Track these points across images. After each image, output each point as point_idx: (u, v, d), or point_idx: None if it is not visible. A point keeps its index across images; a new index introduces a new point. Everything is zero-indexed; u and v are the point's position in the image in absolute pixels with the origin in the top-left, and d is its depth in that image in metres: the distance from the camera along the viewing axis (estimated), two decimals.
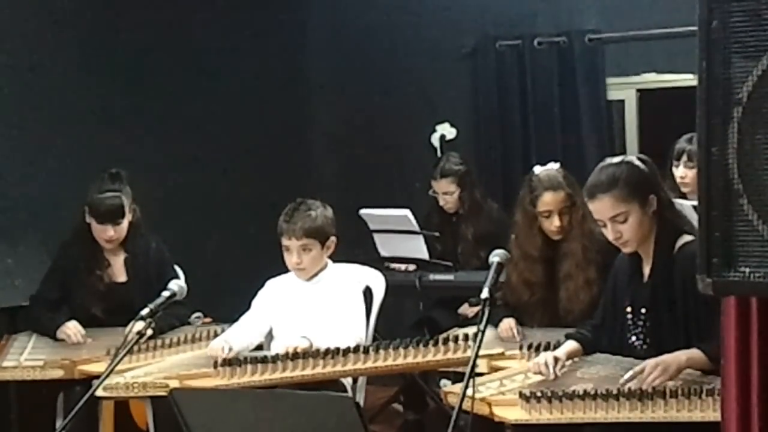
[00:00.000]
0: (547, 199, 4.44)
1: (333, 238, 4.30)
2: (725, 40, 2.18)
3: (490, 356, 3.96)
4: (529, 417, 3.35)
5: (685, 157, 4.89)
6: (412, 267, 5.66)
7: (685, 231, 3.58)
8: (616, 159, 3.70)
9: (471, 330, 4.06)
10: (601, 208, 3.56)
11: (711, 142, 2.19)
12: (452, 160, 5.91)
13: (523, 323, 4.48)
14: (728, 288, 2.23)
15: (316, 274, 4.31)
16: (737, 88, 2.16)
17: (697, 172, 2.25)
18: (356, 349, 3.90)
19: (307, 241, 4.22)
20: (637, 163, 3.63)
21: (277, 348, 4.15)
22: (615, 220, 3.54)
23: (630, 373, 3.42)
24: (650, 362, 3.41)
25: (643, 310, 3.61)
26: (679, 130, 5.08)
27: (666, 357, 3.42)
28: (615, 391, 3.30)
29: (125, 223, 4.71)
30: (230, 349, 4.02)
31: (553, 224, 4.42)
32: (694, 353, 3.43)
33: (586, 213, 4.30)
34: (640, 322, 3.62)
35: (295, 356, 3.85)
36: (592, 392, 3.32)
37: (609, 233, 3.58)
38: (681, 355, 3.42)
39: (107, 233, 4.67)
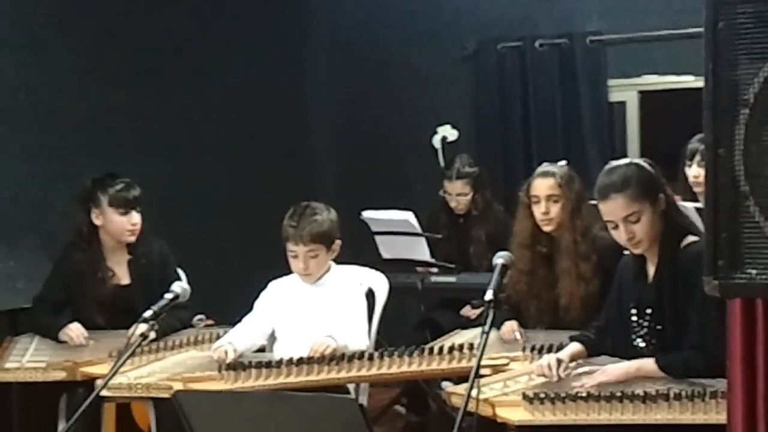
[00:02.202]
0: (537, 184, 4.53)
1: (338, 242, 4.29)
2: (732, 42, 2.18)
3: (494, 366, 3.92)
4: (533, 418, 3.34)
5: (698, 157, 4.85)
6: (433, 270, 5.64)
7: (690, 232, 3.58)
8: (623, 161, 3.72)
9: (474, 335, 4.06)
10: (615, 208, 3.56)
11: (718, 143, 2.19)
12: (466, 162, 5.93)
13: (526, 324, 4.50)
14: (734, 290, 2.23)
15: (319, 277, 4.30)
16: (744, 89, 2.16)
17: (705, 173, 2.25)
18: (360, 355, 3.90)
19: (314, 247, 4.21)
20: (644, 164, 3.65)
21: (283, 349, 4.15)
22: (628, 220, 3.54)
23: (586, 368, 3.53)
24: (597, 369, 3.55)
25: (648, 311, 3.61)
26: (681, 131, 5.07)
27: (614, 364, 3.57)
28: (619, 393, 3.30)
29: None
30: (234, 351, 4.02)
31: (539, 210, 4.48)
32: (647, 362, 3.52)
33: (582, 210, 4.34)
34: (645, 323, 3.62)
35: (299, 362, 3.85)
36: (596, 394, 3.32)
37: (621, 234, 3.58)
38: (631, 364, 3.53)
39: (134, 219, 4.69)
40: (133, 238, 4.72)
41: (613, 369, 3.54)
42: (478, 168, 5.91)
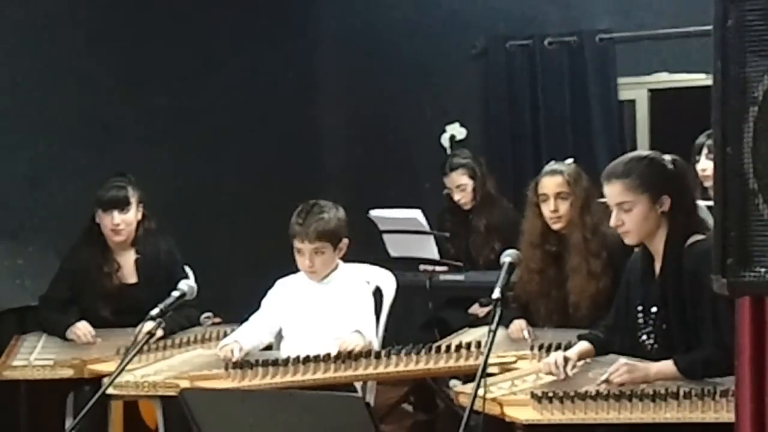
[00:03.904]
0: (545, 182, 4.54)
1: (345, 240, 4.27)
2: (740, 39, 2.16)
3: (502, 365, 3.92)
4: (541, 417, 3.33)
5: (705, 150, 4.84)
6: (441, 268, 5.63)
7: (699, 232, 3.57)
8: (645, 152, 3.77)
9: (482, 333, 4.05)
10: (611, 192, 3.61)
11: (726, 141, 2.17)
12: (460, 154, 5.97)
13: (534, 323, 4.49)
14: (743, 288, 2.21)
15: (327, 275, 4.29)
16: (753, 87, 2.14)
17: (713, 171, 2.23)
18: (368, 354, 3.89)
19: (320, 244, 4.20)
20: (665, 162, 3.64)
21: (290, 348, 4.15)
22: (621, 207, 3.59)
23: (605, 375, 3.46)
24: (622, 360, 3.48)
25: (654, 309, 3.60)
26: (691, 130, 5.06)
27: (637, 362, 3.49)
28: (627, 392, 3.28)
29: (132, 214, 4.70)
30: (240, 349, 4.01)
31: (548, 208, 4.49)
32: (665, 365, 3.47)
33: (591, 207, 4.34)
34: (651, 321, 3.61)
35: (306, 360, 3.84)
36: (605, 393, 3.31)
37: (612, 219, 3.63)
38: (651, 367, 3.48)
39: (114, 220, 4.65)
40: (118, 239, 4.71)
41: (637, 363, 3.49)
42: (472, 159, 5.90)
